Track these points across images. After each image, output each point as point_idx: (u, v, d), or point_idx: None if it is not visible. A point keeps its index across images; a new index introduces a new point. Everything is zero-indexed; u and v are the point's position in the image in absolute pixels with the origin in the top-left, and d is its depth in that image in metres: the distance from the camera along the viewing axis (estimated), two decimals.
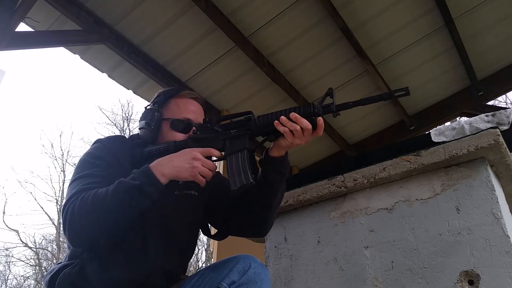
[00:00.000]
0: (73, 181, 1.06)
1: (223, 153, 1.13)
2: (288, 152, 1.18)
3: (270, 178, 1.14)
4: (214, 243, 3.36)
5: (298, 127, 1.03)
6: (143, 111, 1.26)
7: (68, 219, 0.97)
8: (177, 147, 1.14)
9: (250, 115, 1.14)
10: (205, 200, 1.26)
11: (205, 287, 1.05)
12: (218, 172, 1.25)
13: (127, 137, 1.27)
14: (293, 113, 1.05)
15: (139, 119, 1.26)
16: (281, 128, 1.05)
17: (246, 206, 1.19)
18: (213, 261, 4.42)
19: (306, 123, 1.04)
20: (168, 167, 1.03)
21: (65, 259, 1.09)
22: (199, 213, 1.25)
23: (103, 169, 1.08)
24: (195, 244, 1.28)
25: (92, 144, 1.17)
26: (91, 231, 0.97)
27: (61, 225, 1.00)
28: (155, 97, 1.29)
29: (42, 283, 1.10)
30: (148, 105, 1.27)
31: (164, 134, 1.21)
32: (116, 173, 1.05)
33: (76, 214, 0.96)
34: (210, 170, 1.05)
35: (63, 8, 2.60)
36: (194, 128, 1.19)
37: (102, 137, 1.20)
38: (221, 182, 1.27)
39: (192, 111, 1.24)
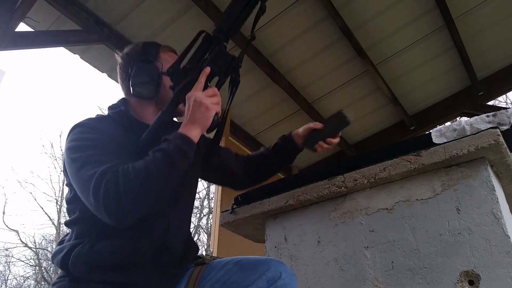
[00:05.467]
0: (86, 160, 0.98)
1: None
2: None
3: (289, 158, 1.46)
4: (214, 243, 3.36)
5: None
6: (134, 65, 1.20)
7: (114, 198, 0.90)
8: (167, 112, 1.11)
9: (204, 33, 1.15)
10: (200, 160, 1.27)
11: (231, 287, 1.02)
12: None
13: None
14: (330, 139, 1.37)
15: (125, 74, 1.22)
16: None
17: (256, 170, 1.46)
18: None
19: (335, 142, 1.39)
20: (194, 127, 1.04)
21: (72, 238, 1.04)
22: (196, 171, 1.25)
23: (102, 145, 1.03)
24: (194, 200, 1.29)
25: (72, 130, 1.08)
26: (142, 204, 0.93)
27: (94, 205, 0.93)
28: (136, 49, 1.24)
29: (52, 261, 1.05)
30: (132, 57, 1.23)
31: (167, 88, 1.16)
32: (113, 144, 1.03)
33: (123, 190, 0.90)
34: (216, 95, 1.08)
35: (63, 8, 2.60)
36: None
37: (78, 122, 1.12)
38: (229, 154, 1.45)
39: None
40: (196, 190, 1.30)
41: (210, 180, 1.52)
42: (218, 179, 1.49)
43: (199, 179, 1.38)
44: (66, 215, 1.12)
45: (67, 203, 1.11)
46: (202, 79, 1.09)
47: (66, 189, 1.16)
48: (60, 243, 1.07)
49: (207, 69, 1.10)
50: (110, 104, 1.23)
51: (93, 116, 1.16)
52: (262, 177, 1.52)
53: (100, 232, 1.01)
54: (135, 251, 1.01)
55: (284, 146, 1.44)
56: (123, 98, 1.25)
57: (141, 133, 1.10)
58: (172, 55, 1.27)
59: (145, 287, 1.02)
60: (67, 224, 1.09)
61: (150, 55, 1.22)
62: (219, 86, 1.14)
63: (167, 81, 1.17)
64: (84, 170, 0.96)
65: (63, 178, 15.47)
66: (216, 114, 1.07)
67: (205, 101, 1.04)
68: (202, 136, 1.11)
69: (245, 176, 1.46)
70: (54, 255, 1.04)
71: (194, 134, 1.03)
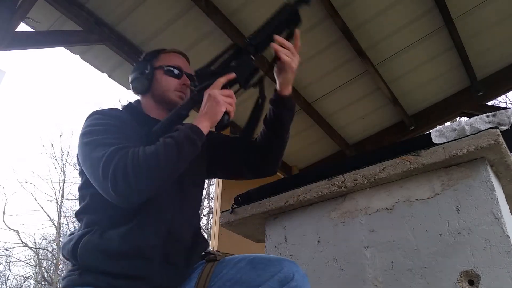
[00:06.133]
0: (98, 143, 1.03)
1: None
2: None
3: (283, 116, 1.30)
4: (214, 243, 3.36)
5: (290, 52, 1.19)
6: (133, 68, 1.33)
7: (121, 177, 0.94)
8: (184, 107, 1.18)
9: (235, 45, 1.22)
10: (205, 153, 1.28)
11: (243, 286, 1.02)
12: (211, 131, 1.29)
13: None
14: (277, 37, 1.20)
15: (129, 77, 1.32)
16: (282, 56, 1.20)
17: (262, 147, 1.31)
18: None
19: (288, 43, 1.20)
20: (204, 119, 1.09)
21: (81, 228, 1.07)
22: (201, 165, 1.28)
23: (118, 130, 1.08)
24: (201, 195, 1.31)
25: (89, 117, 1.14)
26: (148, 184, 0.97)
27: (103, 184, 0.98)
28: (142, 56, 1.35)
29: (61, 253, 1.11)
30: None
31: (158, 81, 1.27)
32: (128, 130, 1.10)
33: (131, 170, 0.95)
34: (230, 97, 1.12)
35: (64, 8, 2.60)
36: (192, 85, 1.26)
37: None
38: (223, 139, 1.39)
39: (181, 62, 1.34)
40: (203, 186, 1.33)
41: (219, 175, 1.45)
42: (226, 170, 1.41)
43: (207, 179, 1.40)
44: (78, 204, 1.15)
45: (78, 190, 1.15)
46: (222, 80, 1.15)
47: (78, 178, 1.19)
48: (70, 234, 1.09)
49: (232, 75, 1.17)
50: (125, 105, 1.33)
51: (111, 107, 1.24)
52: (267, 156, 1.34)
53: (109, 219, 1.04)
54: (143, 238, 1.03)
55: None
56: (137, 99, 1.34)
57: (151, 126, 1.16)
58: (175, 55, 1.35)
59: (154, 280, 1.03)
60: (77, 214, 1.12)
61: (149, 55, 1.33)
62: (236, 91, 1.20)
63: (160, 75, 1.27)
64: (95, 152, 1.01)
65: (63, 179, 15.48)
66: (228, 114, 1.11)
67: (217, 96, 1.10)
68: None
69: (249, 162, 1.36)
70: (64, 246, 1.06)
71: (203, 125, 1.08)
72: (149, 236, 1.04)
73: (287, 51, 1.20)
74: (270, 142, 1.31)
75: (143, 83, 1.26)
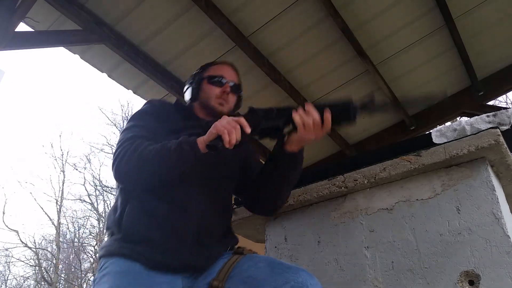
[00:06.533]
0: (128, 128, 1.24)
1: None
2: None
3: (279, 166, 1.26)
4: None
5: (310, 121, 1.14)
6: (186, 80, 1.50)
7: (118, 160, 1.14)
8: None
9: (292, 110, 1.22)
10: (240, 156, 1.36)
11: (258, 285, 1.06)
12: (248, 142, 1.31)
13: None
14: (307, 103, 1.17)
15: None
16: (297, 119, 1.15)
17: (259, 185, 1.32)
18: None
19: (316, 115, 1.15)
20: (206, 135, 1.13)
21: (121, 199, 1.20)
22: (234, 167, 1.35)
23: (152, 122, 1.26)
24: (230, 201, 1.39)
25: (144, 105, 1.35)
26: (136, 175, 1.13)
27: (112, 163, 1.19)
28: (196, 70, 1.50)
29: (107, 223, 1.23)
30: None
31: (203, 90, 1.40)
32: (161, 126, 1.25)
33: (125, 158, 1.12)
34: (232, 127, 1.10)
35: (63, 8, 2.60)
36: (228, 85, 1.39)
37: (154, 99, 1.42)
38: (252, 161, 1.43)
39: (225, 71, 1.44)
40: (231, 190, 1.38)
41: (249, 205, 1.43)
42: (240, 192, 1.42)
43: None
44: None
45: None
46: (242, 120, 1.14)
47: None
48: (113, 207, 1.23)
49: (249, 129, 1.14)
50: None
51: (163, 100, 1.42)
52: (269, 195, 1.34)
53: (143, 191, 1.16)
54: (176, 217, 1.14)
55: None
56: (190, 104, 1.46)
57: (194, 121, 1.33)
58: (222, 66, 1.47)
59: (185, 258, 1.12)
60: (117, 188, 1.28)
61: (201, 68, 1.47)
62: (244, 136, 1.15)
63: (205, 84, 1.40)
64: (121, 135, 1.22)
65: (63, 179, 15.47)
66: (222, 140, 1.08)
67: (221, 119, 1.13)
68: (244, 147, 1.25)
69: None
70: (109, 217, 1.20)
71: (200, 141, 1.13)
72: (184, 221, 1.14)
73: (307, 119, 1.15)
74: (261, 181, 1.31)
75: (191, 92, 1.42)
